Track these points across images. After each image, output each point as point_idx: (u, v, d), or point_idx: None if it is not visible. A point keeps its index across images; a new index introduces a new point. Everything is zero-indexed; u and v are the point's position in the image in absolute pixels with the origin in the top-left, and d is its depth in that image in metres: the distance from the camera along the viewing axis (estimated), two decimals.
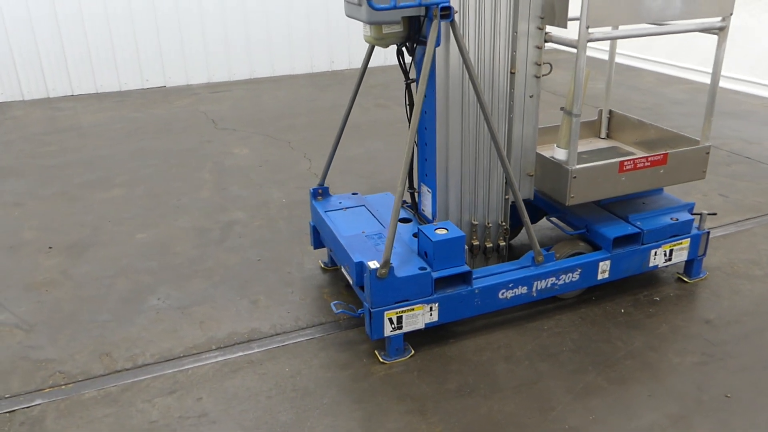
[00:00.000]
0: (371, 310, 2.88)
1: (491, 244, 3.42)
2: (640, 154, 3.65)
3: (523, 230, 3.92)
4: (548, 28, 3.13)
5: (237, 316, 3.40)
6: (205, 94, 8.01)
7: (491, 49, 3.05)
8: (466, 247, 3.07)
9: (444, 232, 2.98)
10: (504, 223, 3.42)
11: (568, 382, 2.88)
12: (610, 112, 4.04)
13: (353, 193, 3.77)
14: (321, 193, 3.70)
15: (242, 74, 8.70)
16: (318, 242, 3.73)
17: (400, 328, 2.96)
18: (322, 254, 3.93)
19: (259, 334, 3.26)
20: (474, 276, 3.08)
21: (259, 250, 4.10)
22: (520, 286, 3.16)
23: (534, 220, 3.71)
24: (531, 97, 3.22)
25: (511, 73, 3.14)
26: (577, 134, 3.12)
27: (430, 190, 3.28)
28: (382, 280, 2.83)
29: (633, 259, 3.39)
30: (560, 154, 3.30)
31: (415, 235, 3.25)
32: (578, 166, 3.16)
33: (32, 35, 7.57)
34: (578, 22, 2.93)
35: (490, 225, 3.39)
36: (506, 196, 3.37)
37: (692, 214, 3.54)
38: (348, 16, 3.01)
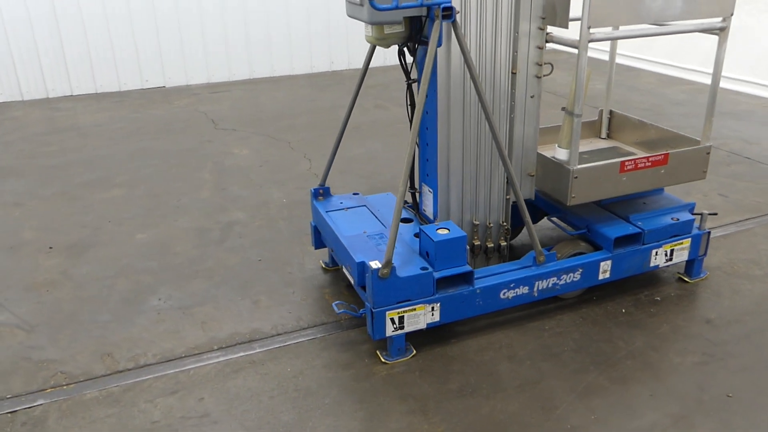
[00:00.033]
0: (373, 310, 2.88)
1: (492, 244, 3.42)
2: (640, 154, 3.65)
3: (524, 230, 3.94)
4: (549, 29, 3.13)
5: (238, 317, 3.40)
6: (204, 94, 8.01)
7: (492, 49, 3.06)
8: (468, 247, 3.07)
9: (446, 232, 2.99)
10: (505, 223, 3.43)
11: (570, 381, 2.88)
12: (611, 112, 4.05)
13: (354, 194, 3.77)
14: (322, 193, 3.71)
15: (242, 74, 8.70)
16: (319, 242, 3.74)
17: (402, 328, 2.97)
18: (323, 254, 3.93)
19: (261, 334, 3.26)
20: (475, 276, 3.08)
21: (260, 250, 4.10)
22: (521, 286, 3.16)
23: (534, 220, 3.71)
24: (532, 97, 3.22)
25: (513, 73, 3.14)
26: (578, 134, 3.12)
27: (431, 190, 3.29)
28: (383, 280, 2.84)
29: (634, 259, 3.40)
30: (561, 154, 3.31)
31: (416, 235, 3.25)
32: (579, 166, 3.17)
33: (31, 35, 7.57)
34: (579, 22, 2.94)
35: (491, 225, 3.40)
36: (507, 196, 3.38)
37: (693, 214, 3.55)
38: (350, 16, 3.01)
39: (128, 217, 4.59)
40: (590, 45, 2.95)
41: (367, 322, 2.96)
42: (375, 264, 2.84)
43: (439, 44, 2.89)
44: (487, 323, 3.30)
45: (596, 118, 4.08)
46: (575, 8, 2.97)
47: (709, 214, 3.57)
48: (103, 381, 2.94)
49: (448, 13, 2.77)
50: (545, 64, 3.17)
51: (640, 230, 3.37)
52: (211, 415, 2.72)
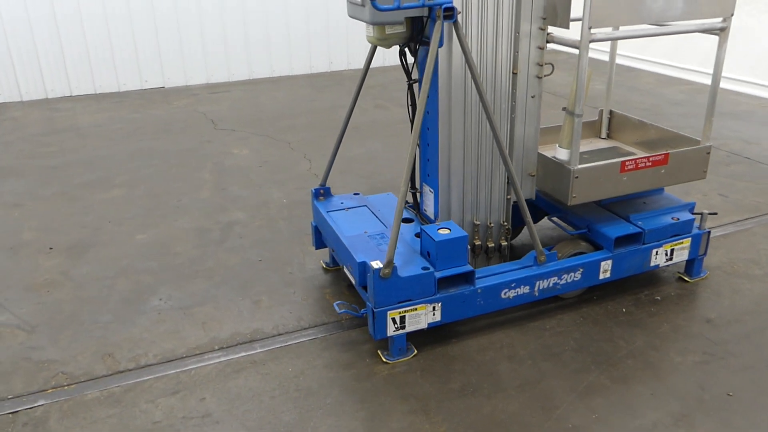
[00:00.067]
0: (374, 310, 2.88)
1: (493, 244, 3.42)
2: (640, 154, 3.66)
3: (524, 230, 3.94)
4: (550, 29, 3.14)
5: (239, 317, 3.40)
6: (204, 94, 8.00)
7: (493, 49, 3.06)
8: (468, 246, 3.07)
9: (447, 232, 2.99)
10: (506, 223, 3.43)
11: (571, 381, 2.89)
12: (611, 112, 4.05)
13: (355, 194, 3.77)
14: (323, 193, 3.71)
15: (241, 75, 8.70)
16: (320, 242, 3.74)
17: (403, 327, 2.97)
18: (323, 254, 3.93)
19: (262, 334, 3.26)
20: (476, 276, 3.08)
21: (260, 250, 4.10)
22: (522, 286, 3.17)
23: (535, 220, 3.71)
24: (533, 97, 3.23)
25: (514, 73, 3.14)
26: (579, 134, 3.13)
27: (432, 190, 3.29)
28: (385, 279, 2.84)
29: (634, 258, 3.40)
30: (562, 154, 3.31)
31: (417, 235, 3.26)
32: (580, 166, 3.17)
33: (31, 36, 7.56)
34: (580, 22, 2.94)
35: (492, 225, 3.40)
36: (508, 196, 3.38)
37: (693, 213, 3.55)
38: (351, 16, 3.01)
39: (128, 218, 4.58)
40: (590, 45, 2.95)
41: (369, 322, 2.96)
42: (376, 264, 2.85)
43: (441, 44, 2.89)
44: (488, 323, 3.30)
45: (596, 118, 4.08)
46: (576, 9, 2.98)
47: (709, 214, 3.58)
48: (104, 381, 2.94)
49: (450, 13, 2.77)
50: (546, 64, 3.17)
51: (640, 230, 3.38)
52: (212, 415, 2.72)
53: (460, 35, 2.84)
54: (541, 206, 3.76)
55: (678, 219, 3.46)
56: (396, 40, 3.02)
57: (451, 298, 3.01)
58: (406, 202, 3.55)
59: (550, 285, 3.25)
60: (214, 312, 3.45)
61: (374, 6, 2.68)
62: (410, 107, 3.30)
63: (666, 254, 3.47)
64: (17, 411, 2.76)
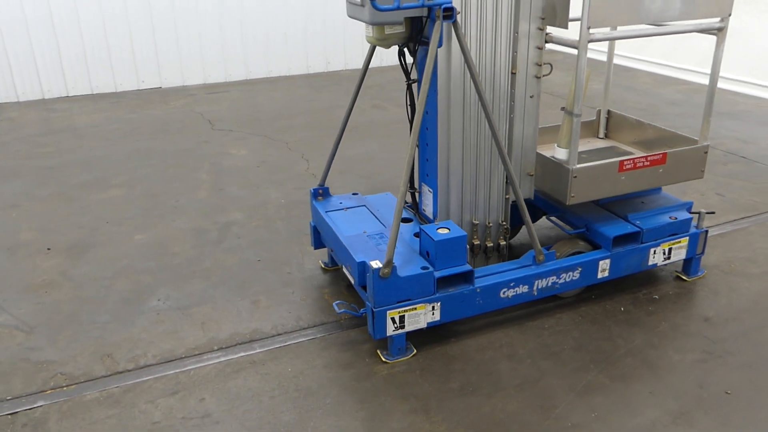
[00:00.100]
0: (374, 310, 2.89)
1: (492, 244, 3.43)
2: (638, 153, 3.67)
3: (523, 230, 3.95)
4: (548, 29, 3.14)
5: (238, 317, 3.40)
6: (201, 94, 8.00)
7: (492, 49, 3.07)
8: (467, 246, 3.08)
9: (446, 231, 2.99)
10: (504, 223, 3.44)
11: (570, 380, 2.89)
12: (609, 112, 4.06)
13: (353, 194, 3.77)
14: (321, 193, 3.71)
15: (238, 75, 8.70)
16: (318, 242, 3.74)
17: (403, 327, 2.97)
18: (322, 254, 3.93)
19: (261, 334, 3.26)
20: (475, 275, 3.09)
21: (258, 250, 4.09)
22: (521, 285, 3.17)
23: (533, 220, 3.71)
24: (531, 97, 3.23)
25: (512, 73, 3.15)
26: (577, 134, 3.14)
27: (431, 189, 3.29)
28: (384, 279, 2.84)
29: (632, 257, 3.41)
30: (561, 153, 3.32)
31: (416, 234, 3.26)
32: (579, 166, 3.18)
33: (27, 36, 7.54)
34: (578, 22, 2.95)
35: (491, 224, 3.41)
36: (506, 196, 3.39)
37: (690, 213, 3.56)
38: (350, 16, 3.01)
39: (126, 218, 4.58)
40: (588, 45, 2.96)
41: (368, 322, 2.96)
42: (376, 264, 2.85)
43: (440, 45, 2.89)
44: (487, 322, 3.31)
45: (594, 118, 4.09)
46: (575, 9, 2.99)
47: (707, 213, 3.59)
48: (103, 382, 2.94)
49: (449, 13, 2.78)
50: (544, 64, 3.18)
51: (638, 229, 3.39)
52: (212, 415, 2.72)
53: (460, 35, 2.85)
54: (540, 206, 3.77)
55: (676, 218, 3.47)
56: (395, 40, 3.02)
57: (451, 298, 3.02)
58: (405, 202, 3.56)
59: (549, 284, 3.26)
60: (213, 312, 3.45)
61: (374, 6, 2.68)
62: (409, 107, 3.30)
63: (664, 253, 3.48)
64: (16, 412, 2.76)
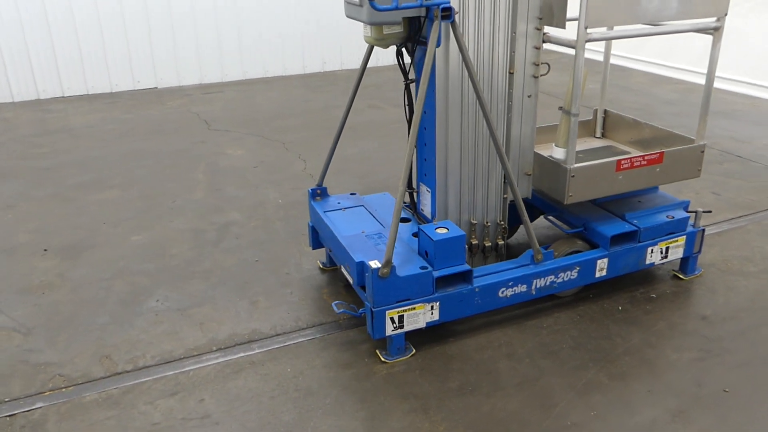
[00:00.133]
0: (373, 310, 2.89)
1: (490, 243, 3.43)
2: (635, 153, 3.68)
3: (520, 229, 3.96)
4: (546, 29, 3.15)
5: (237, 317, 3.40)
6: (197, 95, 7.98)
7: (490, 49, 3.07)
8: (465, 246, 3.08)
9: (444, 231, 3.00)
10: (502, 222, 3.45)
11: (569, 378, 2.90)
12: (605, 111, 4.08)
13: (351, 194, 3.78)
14: (319, 193, 3.71)
15: (234, 75, 8.69)
16: (317, 243, 3.74)
17: (402, 327, 2.97)
18: (320, 255, 3.93)
19: (260, 334, 3.26)
20: (474, 275, 3.09)
21: (257, 251, 4.09)
22: (519, 285, 3.18)
23: (531, 219, 3.72)
24: (529, 97, 3.24)
25: (510, 73, 3.16)
26: (575, 134, 3.15)
27: (429, 189, 3.30)
28: (383, 279, 2.84)
29: (630, 256, 3.42)
30: (559, 153, 3.33)
31: (414, 234, 3.27)
32: (576, 165, 3.19)
33: (22, 36, 7.52)
34: (576, 22, 2.96)
35: (489, 224, 3.41)
36: (504, 195, 3.39)
37: (687, 211, 3.58)
38: (348, 17, 3.02)
39: (123, 219, 4.57)
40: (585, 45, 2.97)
41: (367, 322, 2.97)
42: (375, 264, 2.85)
43: (438, 44, 2.90)
44: (485, 322, 3.32)
45: (591, 117, 4.10)
46: (572, 8, 2.99)
47: (704, 212, 3.61)
48: (102, 383, 2.93)
49: (447, 13, 2.78)
50: (542, 64, 3.19)
51: (635, 228, 3.40)
52: (212, 416, 2.72)
53: (458, 35, 2.85)
54: (537, 205, 3.77)
55: (673, 217, 3.49)
56: (393, 40, 3.03)
57: (449, 297, 3.02)
58: (403, 202, 3.56)
59: (547, 283, 3.26)
60: (212, 313, 3.44)
61: (372, 6, 2.68)
62: (407, 107, 3.30)
63: (661, 252, 3.49)
64: (15, 414, 2.75)
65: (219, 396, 2.83)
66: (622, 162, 3.29)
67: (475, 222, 3.37)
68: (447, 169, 3.21)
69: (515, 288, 3.18)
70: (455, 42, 2.89)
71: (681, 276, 3.69)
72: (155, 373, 2.98)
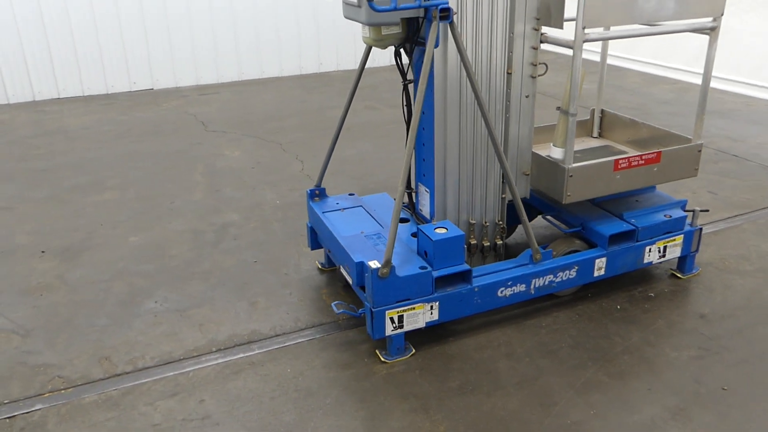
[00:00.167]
0: (373, 310, 2.89)
1: (488, 243, 3.44)
2: (632, 152, 3.70)
3: (519, 229, 3.97)
4: (543, 29, 3.16)
5: (236, 318, 3.40)
6: (193, 96, 7.97)
7: (488, 49, 3.08)
8: (464, 246, 3.09)
9: (444, 231, 3.01)
10: (501, 222, 3.45)
11: (569, 377, 2.91)
12: (602, 111, 4.09)
13: (350, 194, 3.78)
14: (318, 194, 3.71)
15: (230, 76, 8.68)
16: (315, 243, 3.74)
17: (401, 327, 2.98)
18: (318, 255, 3.93)
19: (260, 335, 3.26)
20: (473, 274, 3.10)
21: (255, 251, 4.09)
22: (518, 284, 3.19)
23: (528, 219, 3.73)
24: (527, 97, 3.25)
25: (508, 73, 3.17)
26: (573, 133, 3.16)
27: (428, 189, 3.30)
28: (383, 279, 2.85)
29: (628, 255, 3.44)
30: (557, 153, 3.34)
31: (413, 234, 3.27)
32: (574, 165, 3.20)
33: (18, 37, 7.50)
34: (573, 23, 2.97)
35: (488, 224, 3.42)
36: (503, 195, 3.40)
37: (685, 211, 3.60)
38: (346, 17, 3.02)
39: (121, 220, 4.56)
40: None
41: (367, 322, 2.97)
42: (374, 264, 2.86)
43: (437, 45, 2.90)
44: (485, 321, 3.32)
45: (588, 117, 4.12)
46: (569, 9, 3.01)
47: (701, 211, 3.63)
48: (101, 385, 2.93)
49: (446, 14, 2.79)
50: (540, 64, 3.20)
51: (633, 227, 3.41)
52: (212, 416, 2.72)
53: (456, 36, 2.86)
54: (535, 205, 3.79)
55: (670, 216, 3.50)
56: (392, 41, 3.03)
57: (449, 297, 3.03)
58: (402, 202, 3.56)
59: (546, 283, 3.28)
60: (211, 314, 3.44)
61: (371, 7, 2.69)
62: (405, 108, 3.31)
63: (659, 251, 3.51)
64: (14, 416, 2.74)
65: (219, 397, 2.83)
66: (620, 161, 3.30)
67: (474, 222, 3.38)
68: (445, 169, 3.21)
69: (514, 287, 3.19)
70: (453, 42, 2.90)
71: (679, 275, 3.71)
72: (155, 374, 2.98)
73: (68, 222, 4.55)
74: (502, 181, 3.35)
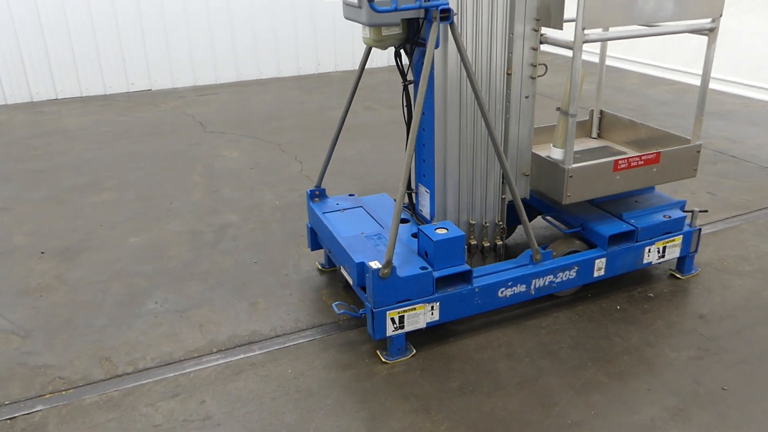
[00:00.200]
0: (373, 310, 2.89)
1: (488, 244, 3.45)
2: (631, 153, 3.70)
3: (518, 230, 3.98)
4: (543, 30, 3.17)
5: (236, 319, 3.40)
6: (191, 97, 7.97)
7: (488, 50, 3.09)
8: (464, 246, 3.09)
9: (444, 231, 3.01)
10: (501, 223, 3.46)
11: (569, 378, 2.92)
12: (601, 112, 4.10)
13: (350, 195, 3.78)
14: (318, 194, 3.71)
15: (228, 77, 8.67)
16: (315, 244, 3.74)
17: (402, 327, 2.98)
18: (318, 256, 3.93)
19: (260, 336, 3.25)
20: (474, 275, 3.10)
21: (255, 252, 4.09)
22: (519, 285, 3.19)
23: (528, 220, 3.74)
24: (527, 97, 3.26)
25: (508, 74, 3.17)
26: (573, 134, 3.17)
27: (428, 190, 3.31)
28: (384, 280, 2.85)
29: (627, 256, 3.45)
30: (556, 153, 3.35)
31: (414, 235, 3.28)
32: (575, 165, 3.21)
33: (15, 38, 7.48)
34: (573, 24, 2.97)
35: (488, 224, 3.42)
36: (503, 196, 3.41)
37: (684, 211, 3.60)
38: (347, 18, 3.02)
39: (120, 221, 4.55)
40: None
41: (368, 322, 2.97)
42: (375, 264, 2.86)
43: (437, 46, 2.91)
44: (485, 322, 3.33)
45: (587, 118, 4.13)
46: (569, 10, 3.01)
47: (700, 212, 3.63)
48: (102, 386, 2.92)
49: (446, 15, 2.80)
50: (539, 65, 3.21)
51: (633, 228, 3.42)
52: (213, 417, 2.72)
53: (457, 36, 2.86)
54: (535, 205, 3.79)
55: (669, 217, 3.51)
56: (392, 42, 3.04)
57: (449, 298, 3.03)
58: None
59: (546, 283, 3.28)
60: (211, 314, 3.44)
61: (372, 8, 2.69)
62: (405, 108, 3.31)
63: (658, 252, 3.52)
64: (15, 417, 2.74)
65: (220, 397, 2.83)
66: (620, 162, 3.31)
67: (474, 222, 3.39)
68: (446, 169, 3.22)
69: (515, 288, 3.19)
70: (454, 43, 2.90)
71: (678, 275, 3.72)
72: (155, 375, 2.98)
73: (67, 223, 4.54)
74: (502, 182, 3.36)
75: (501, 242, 3.49)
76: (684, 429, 2.63)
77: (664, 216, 3.52)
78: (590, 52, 7.98)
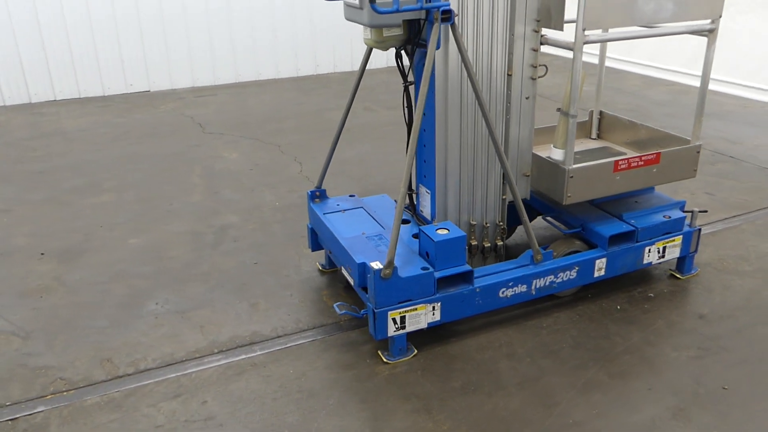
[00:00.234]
0: (375, 311, 2.90)
1: (489, 244, 3.45)
2: (630, 153, 3.72)
3: (519, 230, 3.99)
4: (544, 31, 3.18)
5: (237, 320, 3.40)
6: (190, 98, 7.97)
7: (489, 51, 3.09)
8: (465, 247, 3.10)
9: (445, 232, 3.02)
10: (501, 223, 3.47)
11: (570, 377, 2.93)
12: (601, 112, 4.11)
13: (350, 195, 3.79)
14: (318, 195, 3.72)
15: (227, 78, 8.67)
16: (316, 244, 3.74)
17: (404, 327, 2.99)
18: (318, 256, 3.94)
19: (261, 336, 3.26)
20: (475, 275, 3.11)
21: (255, 253, 4.09)
22: (519, 285, 3.20)
23: (529, 220, 3.74)
24: (527, 98, 3.26)
25: (508, 75, 3.18)
26: (573, 135, 3.17)
27: (429, 191, 3.31)
28: (385, 280, 2.86)
29: (628, 256, 3.45)
30: (557, 154, 3.36)
31: (414, 235, 3.28)
32: (575, 166, 3.22)
33: (13, 39, 7.47)
34: (573, 24, 2.98)
35: (488, 225, 3.43)
36: (503, 196, 3.42)
37: (684, 211, 3.61)
38: (348, 19, 3.03)
39: (120, 222, 4.55)
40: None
41: (369, 323, 2.98)
42: (376, 265, 2.86)
43: (438, 47, 2.91)
44: (486, 322, 3.33)
45: (587, 118, 4.14)
46: (569, 11, 3.02)
47: (700, 212, 3.65)
48: (103, 386, 2.92)
49: (447, 16, 2.80)
50: (540, 66, 3.21)
51: (633, 228, 3.43)
52: (215, 418, 2.72)
53: (457, 37, 2.87)
54: (535, 206, 3.80)
55: (669, 217, 3.52)
56: (393, 43, 3.04)
57: (451, 298, 3.04)
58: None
59: (547, 283, 3.29)
60: (212, 315, 3.44)
61: (373, 8, 2.70)
62: (406, 109, 3.32)
63: (658, 252, 3.53)
64: (16, 418, 2.74)
65: (222, 398, 2.83)
66: (620, 163, 3.32)
67: (475, 223, 3.39)
68: (446, 170, 3.22)
69: (515, 288, 3.20)
70: (455, 44, 2.91)
71: (678, 275, 3.73)
72: (157, 376, 2.98)
73: (66, 224, 4.54)
74: (503, 182, 3.37)
75: (501, 242, 3.49)
76: (685, 428, 2.64)
77: (664, 216, 3.53)
78: (590, 53, 8.00)
